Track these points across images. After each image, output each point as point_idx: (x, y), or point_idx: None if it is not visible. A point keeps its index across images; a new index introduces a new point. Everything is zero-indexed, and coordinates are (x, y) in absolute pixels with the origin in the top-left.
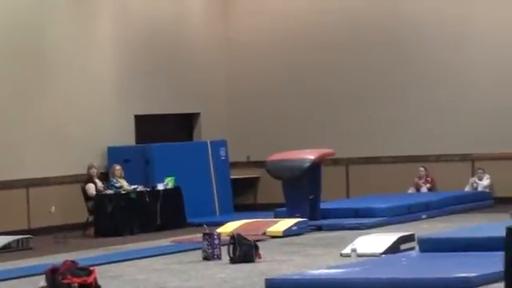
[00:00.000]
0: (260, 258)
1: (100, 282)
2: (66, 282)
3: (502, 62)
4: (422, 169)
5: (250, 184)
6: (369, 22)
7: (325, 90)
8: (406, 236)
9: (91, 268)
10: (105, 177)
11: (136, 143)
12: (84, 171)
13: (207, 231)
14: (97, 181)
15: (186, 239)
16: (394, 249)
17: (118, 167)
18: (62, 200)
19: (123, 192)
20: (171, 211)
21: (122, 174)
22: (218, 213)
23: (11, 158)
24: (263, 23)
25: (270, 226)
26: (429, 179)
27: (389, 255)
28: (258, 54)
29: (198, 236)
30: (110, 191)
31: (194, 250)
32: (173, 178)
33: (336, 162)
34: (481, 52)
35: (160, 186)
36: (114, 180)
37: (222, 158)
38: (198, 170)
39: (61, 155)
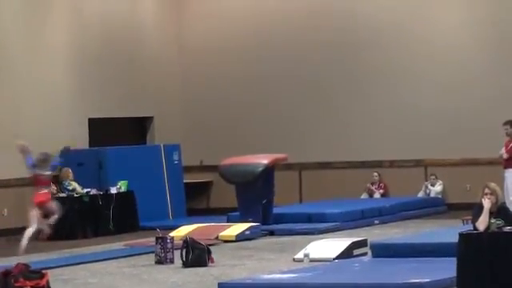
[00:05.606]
0: (213, 262)
1: (52, 286)
2: (18, 284)
3: (459, 70)
4: (375, 174)
5: (203, 188)
6: (321, 27)
7: (278, 95)
8: (359, 241)
9: (44, 271)
10: (57, 180)
11: (89, 146)
12: None
13: (160, 235)
14: None
15: (139, 243)
16: (346, 254)
17: (68, 170)
18: (15, 203)
19: (76, 195)
20: (124, 215)
21: (72, 177)
22: (171, 217)
23: None
24: (216, 27)
25: (223, 230)
26: (381, 185)
27: (341, 260)
28: (212, 58)
29: (151, 240)
30: (62, 194)
31: (147, 253)
32: (126, 181)
33: (289, 166)
34: (437, 59)
35: (113, 190)
36: (67, 183)
37: (176, 162)
38: (151, 174)
39: (14, 158)
